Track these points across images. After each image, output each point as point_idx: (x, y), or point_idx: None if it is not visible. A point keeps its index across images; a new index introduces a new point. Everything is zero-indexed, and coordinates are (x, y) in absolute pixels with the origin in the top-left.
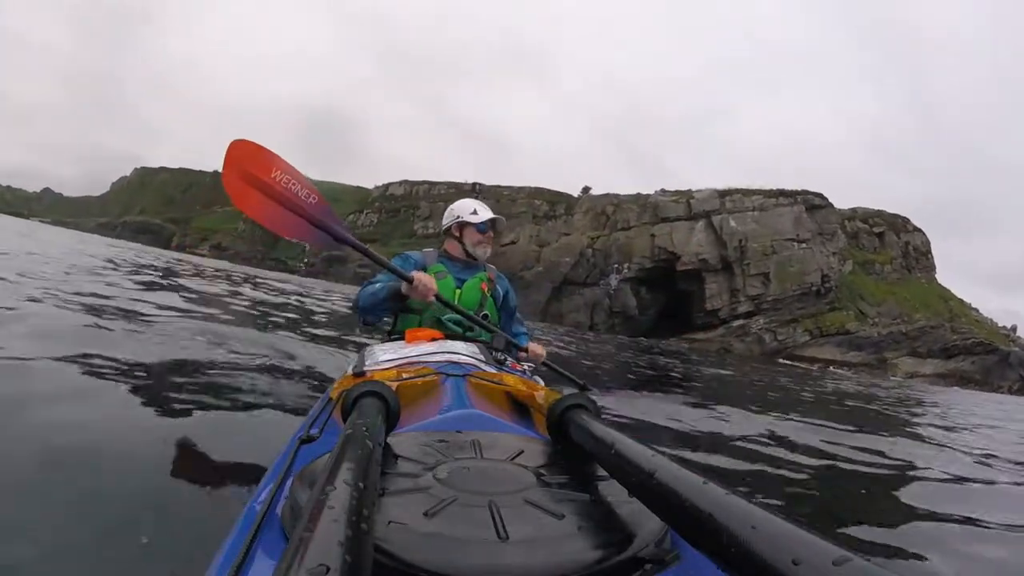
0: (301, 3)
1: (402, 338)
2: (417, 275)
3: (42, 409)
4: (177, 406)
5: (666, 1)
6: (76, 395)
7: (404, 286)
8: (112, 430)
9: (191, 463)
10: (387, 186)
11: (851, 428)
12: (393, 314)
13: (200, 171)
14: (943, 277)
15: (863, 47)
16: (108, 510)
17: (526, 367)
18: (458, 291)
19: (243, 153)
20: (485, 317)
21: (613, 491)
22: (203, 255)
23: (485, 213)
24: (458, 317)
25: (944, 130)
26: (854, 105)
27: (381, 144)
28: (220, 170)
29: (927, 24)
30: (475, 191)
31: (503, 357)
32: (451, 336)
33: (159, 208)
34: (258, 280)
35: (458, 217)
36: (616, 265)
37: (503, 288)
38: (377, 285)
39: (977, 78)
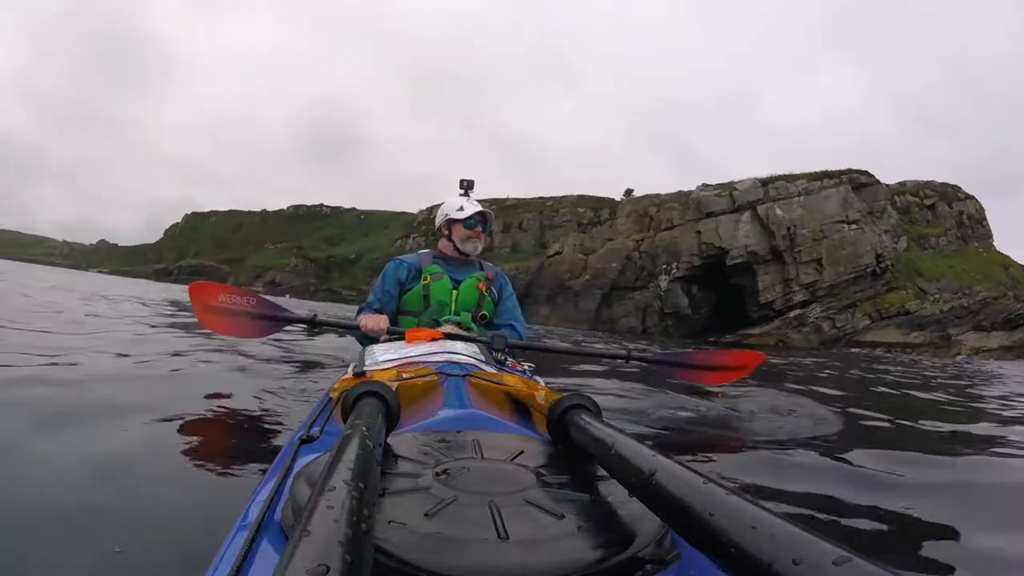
0: (339, 35)
1: (402, 338)
2: (363, 321)
3: (40, 410)
4: (177, 407)
5: None
6: (74, 397)
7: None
8: (111, 431)
9: (191, 463)
10: (430, 209)
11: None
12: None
13: (248, 211)
14: (1002, 242)
15: (892, 13)
16: (107, 511)
17: (526, 367)
18: (455, 291)
19: (199, 290)
20: (483, 317)
21: (613, 491)
22: (259, 291)
23: (472, 208)
24: (456, 318)
25: (986, 86)
26: (890, 75)
27: (424, 167)
28: (268, 209)
29: None
30: (465, 189)
31: (503, 357)
32: (451, 336)
33: (212, 250)
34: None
35: (446, 215)
36: (664, 266)
37: (499, 286)
38: (359, 318)
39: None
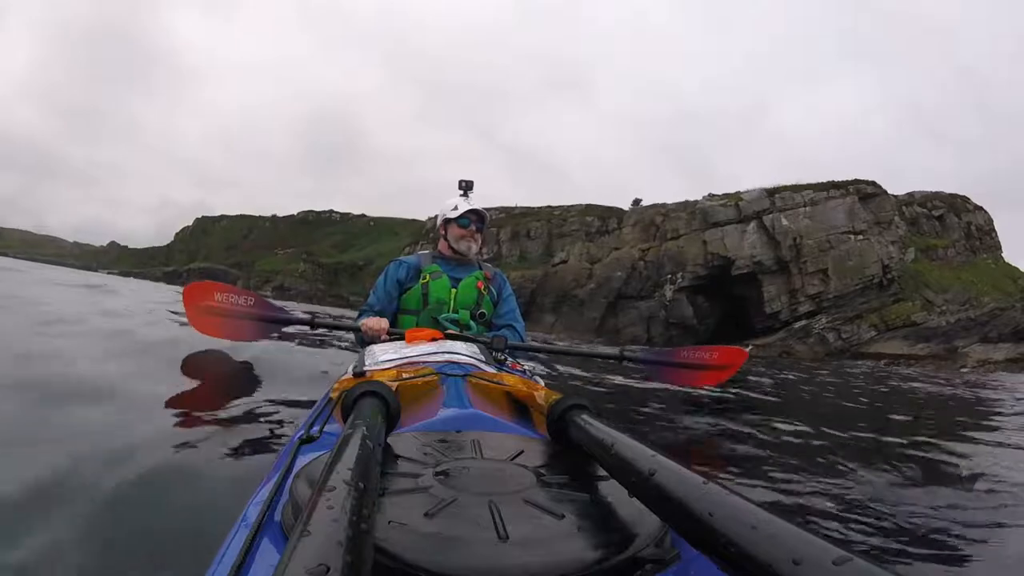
0: (349, 44)
1: (402, 338)
2: (364, 323)
3: (46, 407)
4: (176, 406)
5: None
6: (67, 390)
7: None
8: (111, 430)
9: (190, 463)
10: (438, 216)
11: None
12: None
13: (259, 216)
14: (1011, 254)
15: (896, 27)
16: (106, 510)
17: (526, 367)
18: (454, 291)
19: (193, 291)
20: (482, 315)
21: (613, 491)
22: (267, 296)
23: (465, 207)
24: (455, 316)
25: (997, 100)
26: (901, 87)
27: (433, 175)
28: (278, 214)
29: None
30: (463, 189)
31: (503, 357)
32: (451, 336)
33: (222, 254)
34: None
35: (443, 216)
36: (669, 275)
37: (499, 287)
38: (360, 320)
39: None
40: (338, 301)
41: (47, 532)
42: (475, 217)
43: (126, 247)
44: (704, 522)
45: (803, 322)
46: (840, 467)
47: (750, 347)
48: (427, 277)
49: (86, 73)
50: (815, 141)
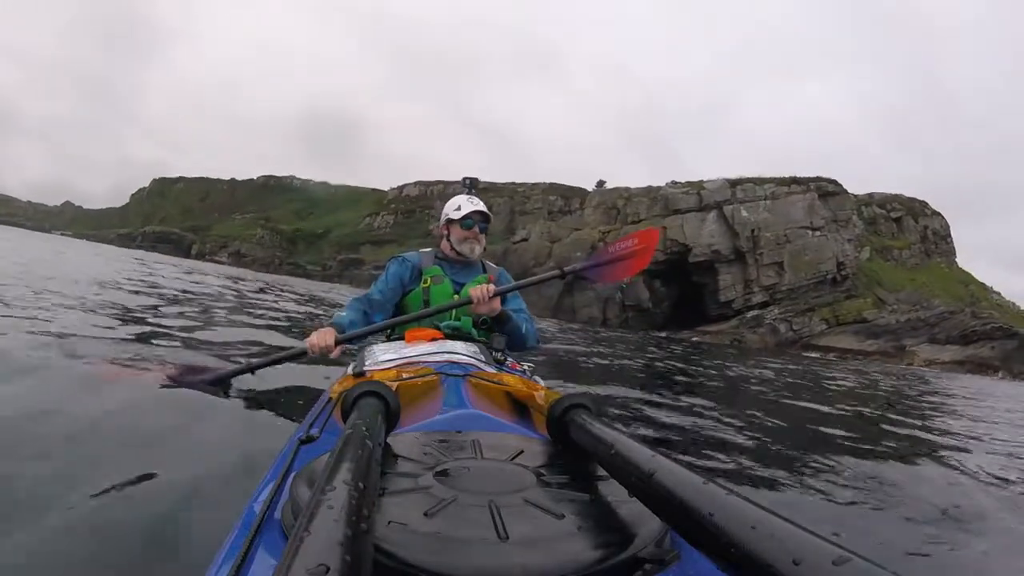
0: (317, 10)
1: (402, 338)
2: (308, 341)
3: (34, 402)
4: (176, 406)
5: None
6: (73, 395)
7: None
8: (110, 430)
9: (191, 463)
10: (402, 187)
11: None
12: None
13: (217, 179)
14: (964, 261)
15: (872, 31)
16: (107, 510)
17: (526, 367)
18: (456, 296)
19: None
20: (484, 322)
21: (613, 491)
22: (222, 262)
23: (469, 207)
24: (456, 323)
25: (960, 111)
26: (867, 90)
27: (397, 146)
28: (237, 178)
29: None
30: (467, 186)
31: (503, 357)
32: (451, 336)
33: (178, 218)
34: None
35: (446, 215)
36: None
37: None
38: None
39: (989, 54)
40: (295, 270)
41: (48, 532)
42: (479, 218)
43: (81, 208)
44: (704, 522)
45: (756, 312)
46: (819, 460)
47: (706, 336)
48: (428, 281)
49: (46, 21)
50: (781, 137)
